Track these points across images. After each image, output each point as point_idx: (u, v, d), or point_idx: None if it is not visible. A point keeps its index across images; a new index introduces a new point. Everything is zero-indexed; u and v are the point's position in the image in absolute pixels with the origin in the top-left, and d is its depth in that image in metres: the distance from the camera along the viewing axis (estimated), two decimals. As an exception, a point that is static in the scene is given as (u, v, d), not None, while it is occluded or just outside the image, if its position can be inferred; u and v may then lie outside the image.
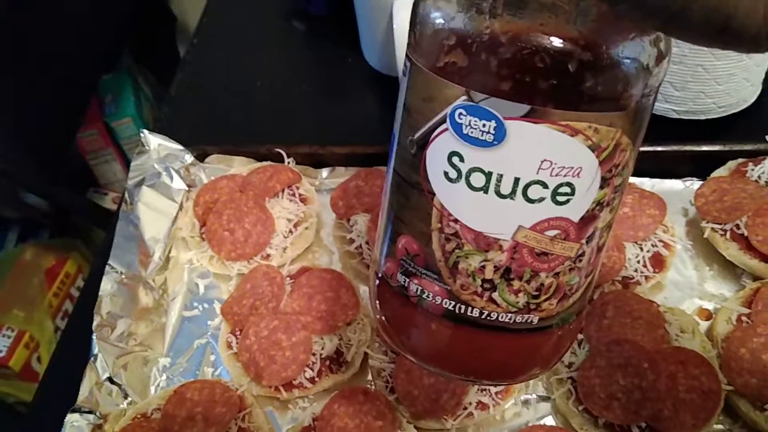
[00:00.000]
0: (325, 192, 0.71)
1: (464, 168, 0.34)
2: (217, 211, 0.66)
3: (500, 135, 0.32)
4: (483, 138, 0.33)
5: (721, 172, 0.66)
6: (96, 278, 0.63)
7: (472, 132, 0.33)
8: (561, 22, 0.31)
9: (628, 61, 0.32)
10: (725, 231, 0.62)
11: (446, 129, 0.34)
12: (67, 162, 1.38)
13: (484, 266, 0.36)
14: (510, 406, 0.56)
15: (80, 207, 1.34)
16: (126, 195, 0.68)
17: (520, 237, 0.35)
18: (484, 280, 0.36)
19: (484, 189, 0.34)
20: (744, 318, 0.57)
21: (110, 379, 0.58)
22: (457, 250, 0.36)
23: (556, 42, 0.31)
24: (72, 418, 0.55)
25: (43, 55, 1.13)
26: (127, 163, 1.49)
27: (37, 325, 1.27)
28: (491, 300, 0.37)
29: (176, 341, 0.63)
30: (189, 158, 0.72)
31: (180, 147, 0.72)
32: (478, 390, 0.55)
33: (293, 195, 0.69)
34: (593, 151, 0.33)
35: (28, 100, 1.13)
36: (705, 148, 0.67)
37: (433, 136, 0.35)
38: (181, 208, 0.70)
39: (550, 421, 0.56)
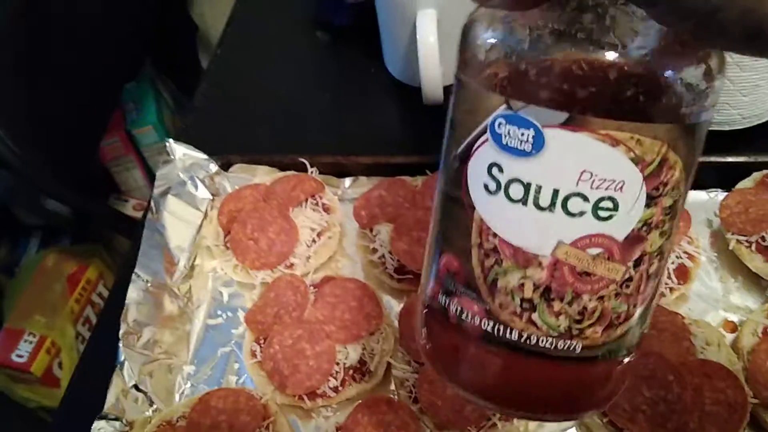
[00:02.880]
0: (347, 201, 0.71)
1: (503, 179, 0.33)
2: (241, 221, 0.67)
3: (539, 144, 0.32)
4: (522, 147, 0.32)
5: (746, 183, 0.66)
6: (122, 286, 0.64)
7: (511, 141, 0.33)
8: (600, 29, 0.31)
9: (671, 72, 0.31)
10: (750, 243, 0.61)
11: (486, 140, 0.34)
12: (89, 169, 1.39)
13: (523, 284, 0.34)
14: (534, 418, 0.56)
15: (101, 214, 1.35)
16: (152, 204, 0.69)
17: (560, 254, 0.33)
18: (523, 299, 0.35)
19: (523, 201, 0.33)
20: (770, 330, 0.56)
21: (136, 387, 0.58)
22: (496, 266, 0.35)
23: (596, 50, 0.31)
24: (98, 425, 0.55)
25: (67, 64, 1.14)
26: (147, 171, 1.50)
27: (59, 330, 1.28)
28: (531, 322, 0.35)
29: (200, 349, 0.64)
30: (213, 167, 0.72)
31: (204, 156, 0.72)
32: (501, 401, 0.55)
33: (316, 204, 0.69)
34: (636, 164, 0.32)
35: (51, 108, 1.14)
36: (730, 159, 0.67)
37: (474, 148, 0.35)
38: (205, 216, 0.70)
39: (573, 432, 0.56)
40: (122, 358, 0.59)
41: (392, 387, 0.60)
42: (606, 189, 0.32)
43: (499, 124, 0.33)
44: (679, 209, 0.35)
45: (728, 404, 0.52)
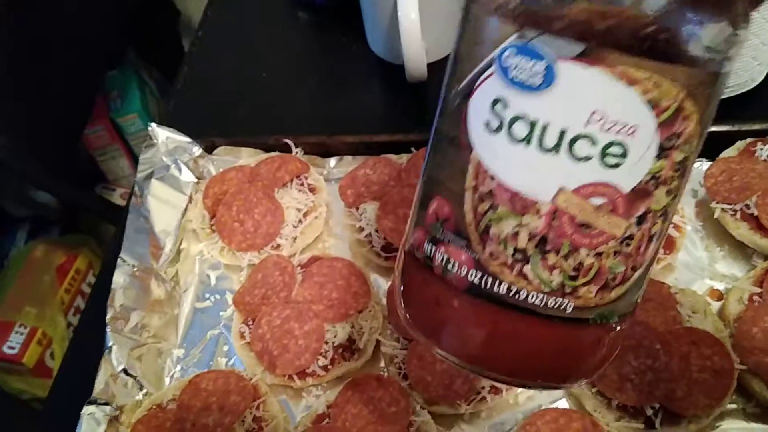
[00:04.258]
0: (333, 181, 0.71)
1: (507, 116, 0.31)
2: (226, 203, 0.67)
3: (549, 78, 0.30)
4: (530, 81, 0.30)
5: (729, 152, 0.66)
6: (108, 271, 0.64)
7: (519, 75, 0.31)
8: None
9: (697, 12, 0.29)
10: (735, 211, 0.62)
11: (492, 74, 0.32)
12: (75, 159, 1.38)
13: (517, 232, 0.32)
14: (523, 390, 0.57)
15: (89, 203, 1.35)
16: (135, 188, 0.69)
17: (560, 201, 0.31)
18: (516, 250, 0.32)
19: (527, 140, 0.31)
20: (756, 297, 0.57)
21: (125, 371, 0.58)
22: (490, 212, 0.33)
23: None
24: (88, 410, 0.55)
25: (48, 52, 1.13)
26: (134, 159, 1.49)
27: (50, 321, 1.28)
28: (522, 275, 0.33)
29: (189, 332, 0.64)
30: (197, 150, 0.72)
31: (188, 139, 0.72)
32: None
33: (302, 185, 0.69)
34: (652, 108, 0.30)
35: (34, 98, 1.13)
36: (713, 128, 0.66)
37: (478, 82, 0.33)
38: (190, 200, 0.70)
39: (563, 403, 0.56)
40: (110, 343, 0.59)
41: (381, 364, 0.60)
42: (617, 133, 0.30)
43: (508, 55, 0.31)
44: (688, 169, 0.33)
45: (715, 371, 0.53)
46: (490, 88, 0.32)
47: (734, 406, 0.54)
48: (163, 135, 0.71)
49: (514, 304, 0.33)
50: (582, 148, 0.30)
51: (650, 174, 0.32)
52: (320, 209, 0.68)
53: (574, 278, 0.33)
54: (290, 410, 0.58)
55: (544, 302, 0.33)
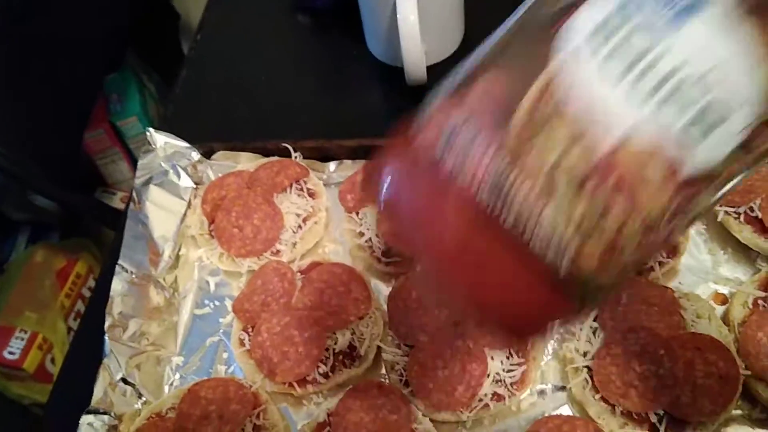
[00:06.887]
0: (333, 186, 0.71)
1: (618, 34, 0.28)
2: (225, 208, 0.66)
3: (691, 10, 0.27)
4: (664, 8, 0.28)
5: (733, 154, 0.65)
6: (107, 278, 0.63)
7: None
8: None
9: None
10: (739, 214, 0.61)
11: None
12: (76, 163, 1.38)
13: (560, 160, 0.29)
14: (526, 397, 0.56)
15: (89, 207, 1.34)
16: (134, 194, 0.68)
17: (621, 150, 0.28)
18: (548, 174, 0.29)
19: (627, 69, 0.28)
20: (760, 302, 0.56)
21: (124, 380, 0.58)
22: (542, 122, 0.29)
23: None
24: (87, 419, 0.55)
25: (47, 55, 1.12)
26: (134, 162, 1.48)
27: (50, 326, 1.27)
28: (541, 201, 0.29)
29: (188, 340, 0.63)
30: (196, 156, 0.71)
31: (186, 144, 0.71)
32: (493, 381, 0.55)
33: (301, 190, 0.68)
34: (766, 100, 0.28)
35: (34, 102, 1.13)
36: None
37: None
38: (189, 205, 0.69)
39: (566, 410, 0.56)
40: (108, 350, 0.58)
41: (383, 371, 0.59)
42: (720, 102, 0.27)
43: None
44: (731, 189, 0.31)
45: (720, 377, 0.52)
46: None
47: (739, 412, 0.54)
48: (161, 140, 0.71)
49: (514, 236, 0.30)
50: (678, 99, 0.27)
51: (719, 165, 0.29)
52: (320, 214, 0.67)
53: (587, 237, 0.30)
54: (291, 418, 0.58)
55: (544, 245, 0.30)
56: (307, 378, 0.58)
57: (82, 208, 1.33)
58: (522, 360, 0.56)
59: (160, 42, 1.58)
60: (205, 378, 0.59)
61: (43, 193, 1.27)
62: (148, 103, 1.49)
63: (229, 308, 0.63)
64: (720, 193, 0.32)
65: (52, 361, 1.26)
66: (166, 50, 1.57)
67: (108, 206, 1.41)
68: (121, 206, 1.44)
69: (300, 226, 0.66)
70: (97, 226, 1.47)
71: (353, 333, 0.59)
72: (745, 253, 0.62)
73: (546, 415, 0.55)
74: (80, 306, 1.34)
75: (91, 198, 1.46)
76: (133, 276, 0.63)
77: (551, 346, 0.58)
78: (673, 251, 0.60)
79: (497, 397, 0.55)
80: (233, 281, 0.66)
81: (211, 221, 0.67)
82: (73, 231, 1.46)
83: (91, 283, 1.37)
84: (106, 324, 0.59)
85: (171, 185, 0.69)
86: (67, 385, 0.63)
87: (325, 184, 0.70)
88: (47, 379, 1.23)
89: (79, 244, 1.41)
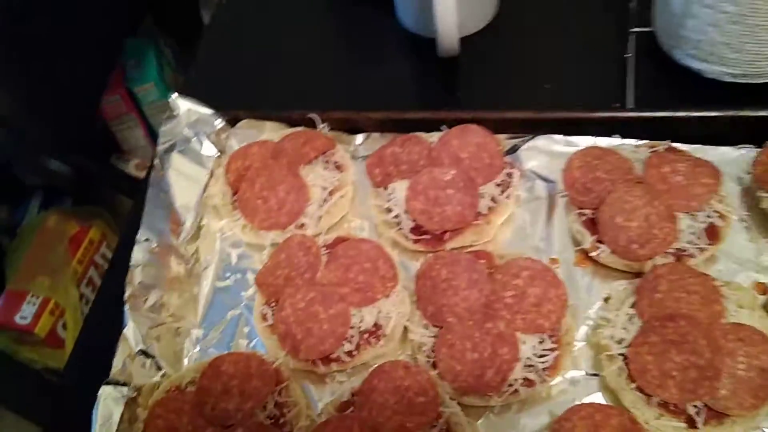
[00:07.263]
0: (360, 159, 0.68)
1: None
2: (249, 179, 0.64)
3: None
4: None
5: (778, 139, 0.62)
6: (125, 247, 0.62)
7: None
8: None
9: None
10: (784, 201, 0.58)
11: None
12: (92, 127, 1.36)
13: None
14: (556, 383, 0.54)
15: (103, 173, 1.33)
16: (156, 161, 0.66)
17: None
18: None
19: None
20: (805, 293, 0.54)
21: (143, 351, 0.57)
22: None
23: None
24: (106, 391, 0.54)
25: (67, 16, 1.10)
26: (149, 129, 1.47)
27: (62, 292, 1.26)
28: None
29: (209, 312, 0.61)
30: (219, 123, 0.69)
31: (210, 111, 0.69)
32: (524, 366, 0.53)
33: (327, 162, 0.66)
34: None
35: (50, 65, 1.11)
36: (762, 113, 0.64)
37: None
38: (211, 175, 0.68)
39: (598, 398, 0.54)
40: (128, 321, 0.57)
41: (409, 351, 0.58)
42: None
43: None
44: None
45: (762, 369, 0.50)
46: None
47: (781, 406, 0.52)
48: (184, 106, 0.69)
49: None
50: None
51: None
52: (346, 188, 0.65)
53: None
54: (313, 397, 0.56)
55: None
56: (331, 356, 0.56)
57: (96, 173, 1.32)
58: (555, 345, 0.54)
59: (177, 8, 1.55)
60: (226, 352, 0.57)
61: (57, 157, 1.25)
62: (165, 70, 1.47)
63: (251, 281, 0.62)
64: None
65: (64, 326, 1.25)
66: (185, 17, 1.54)
67: (123, 173, 1.39)
68: (136, 173, 1.43)
69: (326, 200, 0.64)
70: (110, 194, 1.45)
71: (379, 311, 0.57)
72: (788, 241, 0.59)
73: (576, 402, 0.53)
74: (93, 272, 1.33)
75: (106, 164, 1.44)
76: (154, 245, 0.62)
77: (584, 332, 0.57)
78: (715, 238, 0.58)
79: (528, 382, 0.53)
80: (256, 254, 0.64)
81: (235, 192, 0.65)
82: (86, 197, 1.45)
83: (104, 250, 1.36)
84: (126, 294, 0.58)
85: (193, 153, 0.68)
86: (84, 355, 0.62)
87: (351, 157, 0.68)
88: (58, 344, 1.23)
89: (93, 210, 1.40)
